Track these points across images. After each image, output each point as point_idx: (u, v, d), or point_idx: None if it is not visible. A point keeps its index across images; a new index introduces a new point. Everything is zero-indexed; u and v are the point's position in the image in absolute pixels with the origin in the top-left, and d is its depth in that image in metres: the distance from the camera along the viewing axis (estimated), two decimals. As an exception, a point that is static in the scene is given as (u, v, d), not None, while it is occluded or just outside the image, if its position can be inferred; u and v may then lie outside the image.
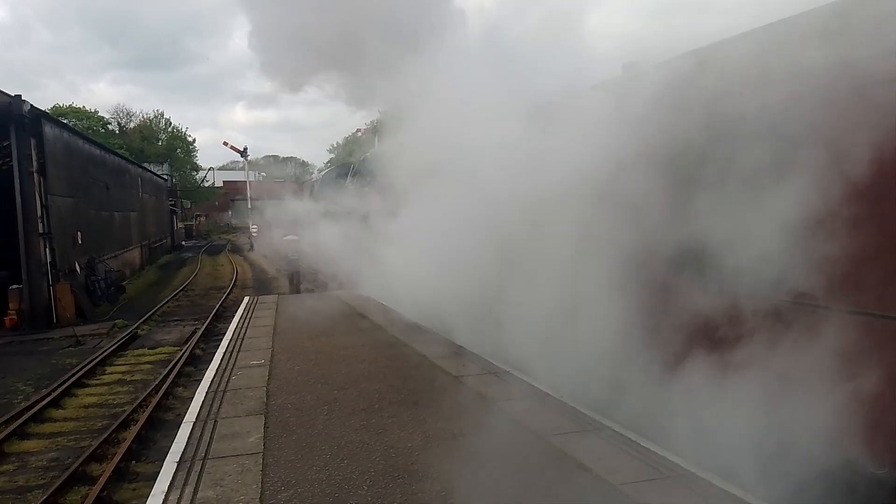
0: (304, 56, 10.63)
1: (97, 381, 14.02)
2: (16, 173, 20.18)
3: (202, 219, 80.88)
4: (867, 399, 4.83)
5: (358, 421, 7.02)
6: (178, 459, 6.12)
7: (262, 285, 29.27)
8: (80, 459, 9.21)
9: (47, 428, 11.10)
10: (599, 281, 7.11)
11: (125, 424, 10.79)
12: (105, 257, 27.95)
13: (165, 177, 58.74)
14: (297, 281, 21.03)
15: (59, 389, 12.81)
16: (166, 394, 12.28)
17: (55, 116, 29.95)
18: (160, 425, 10.82)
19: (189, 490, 5.46)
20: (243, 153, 57.49)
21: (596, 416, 6.71)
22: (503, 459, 5.65)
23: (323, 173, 34.55)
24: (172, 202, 59.17)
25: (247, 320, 14.33)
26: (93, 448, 9.63)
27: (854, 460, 4.93)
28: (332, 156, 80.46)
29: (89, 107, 66.15)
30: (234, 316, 15.53)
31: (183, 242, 61.63)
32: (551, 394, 7.37)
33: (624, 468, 5.50)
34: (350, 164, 24.52)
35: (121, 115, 73.92)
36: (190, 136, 79.59)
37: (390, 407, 7.45)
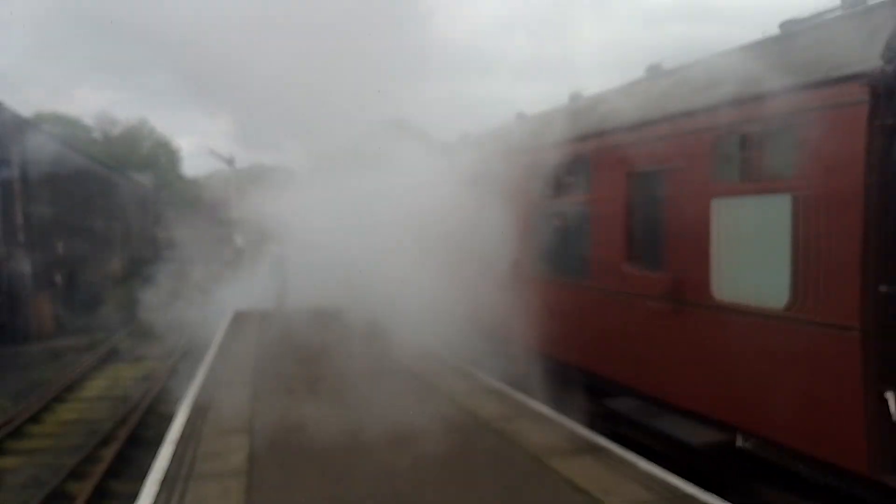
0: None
1: (76, 397, 13.73)
2: (-4, 182, 19.87)
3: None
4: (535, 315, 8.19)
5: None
6: (159, 479, 5.93)
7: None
8: (60, 477, 8.99)
9: (26, 444, 10.81)
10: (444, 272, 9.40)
11: (105, 442, 10.55)
12: (86, 268, 27.54)
13: (148, 185, 58.18)
14: None
15: (38, 404, 12.52)
16: (148, 410, 12.04)
17: (38, 123, 29.55)
18: (141, 443, 10.58)
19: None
20: (229, 162, 56.99)
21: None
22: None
23: None
24: (156, 212, 58.56)
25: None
26: (72, 466, 9.39)
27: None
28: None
29: (73, 113, 65.53)
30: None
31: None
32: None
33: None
34: None
35: (104, 122, 73.27)
36: (175, 143, 79.00)
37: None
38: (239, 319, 15.74)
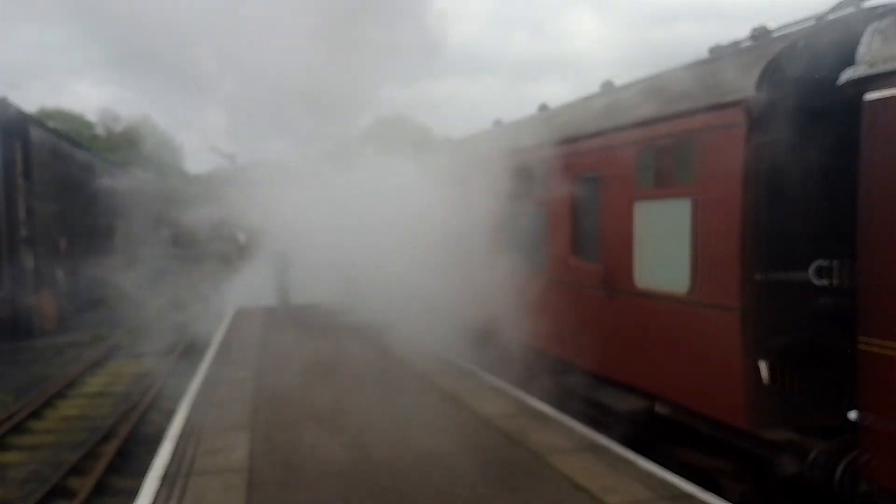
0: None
1: (77, 393, 13.76)
2: (0, 177, 19.88)
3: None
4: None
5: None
6: (160, 475, 5.95)
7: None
8: (61, 473, 9.00)
9: (27, 439, 10.84)
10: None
11: (106, 438, 10.57)
12: (89, 264, 27.59)
13: (151, 182, 58.23)
14: None
15: (40, 400, 12.55)
16: (149, 406, 12.06)
17: (41, 119, 29.60)
18: (142, 439, 10.61)
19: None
20: (231, 158, 57.02)
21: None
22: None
23: None
24: (159, 208, 58.60)
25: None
26: (73, 461, 9.42)
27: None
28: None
29: (76, 108, 65.66)
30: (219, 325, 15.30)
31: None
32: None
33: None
34: None
35: (107, 118, 73.31)
36: (177, 140, 79.12)
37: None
38: (240, 317, 15.78)
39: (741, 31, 6.67)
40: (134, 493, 5.90)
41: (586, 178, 8.39)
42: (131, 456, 9.92)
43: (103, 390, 13.97)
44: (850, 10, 5.89)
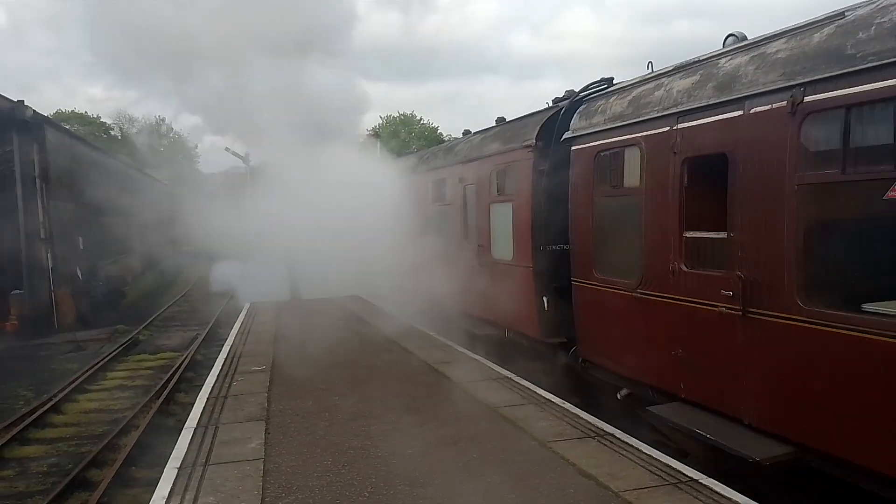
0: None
1: (98, 387, 14.02)
2: (18, 178, 20.23)
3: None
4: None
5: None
6: (178, 465, 6.10)
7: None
8: (81, 465, 9.21)
9: (48, 433, 11.09)
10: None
11: (125, 430, 10.79)
12: (106, 262, 27.96)
13: (167, 183, 58.74)
14: None
15: (60, 395, 12.81)
16: (167, 399, 12.28)
17: (57, 122, 30.01)
18: (161, 431, 10.82)
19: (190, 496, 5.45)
20: (245, 158, 57.29)
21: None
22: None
23: None
24: (173, 207, 59.09)
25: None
26: (93, 454, 9.62)
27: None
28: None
29: (90, 111, 66.22)
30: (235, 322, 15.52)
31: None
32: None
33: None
34: None
35: (123, 120, 73.92)
36: (192, 142, 79.56)
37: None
38: (254, 312, 15.97)
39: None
40: (154, 483, 6.06)
41: (470, 185, 12.14)
42: (151, 447, 10.12)
43: (123, 384, 14.22)
44: (575, 97, 9.39)
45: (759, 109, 5.58)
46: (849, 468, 4.95)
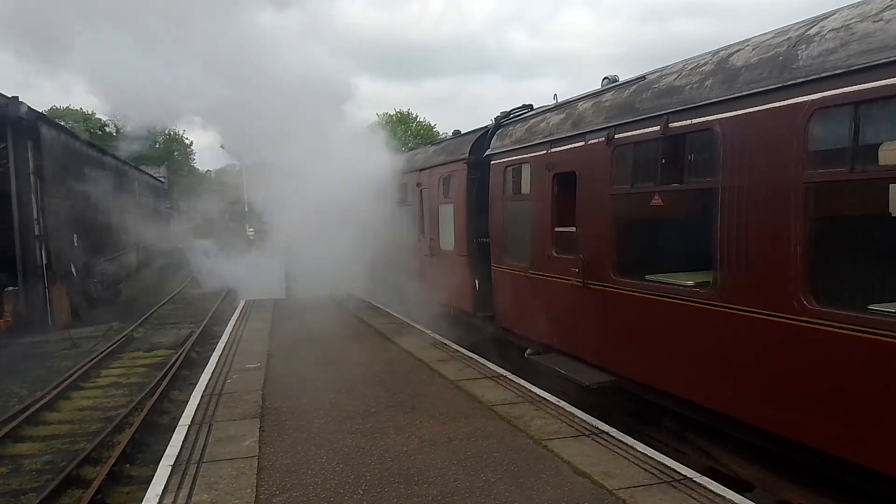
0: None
1: (92, 384, 13.98)
2: (12, 175, 20.16)
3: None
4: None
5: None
6: (172, 463, 6.08)
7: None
8: (75, 462, 9.18)
9: (42, 430, 11.06)
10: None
11: (120, 427, 10.76)
12: (101, 260, 27.88)
13: (162, 179, 58.66)
14: None
15: (54, 392, 12.77)
16: (161, 397, 12.25)
17: (52, 118, 29.90)
18: (155, 429, 10.80)
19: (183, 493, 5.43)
20: (240, 156, 57.10)
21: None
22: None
23: None
24: (169, 205, 59.07)
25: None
26: (87, 451, 9.59)
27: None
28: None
29: (86, 108, 65.96)
30: (230, 319, 15.50)
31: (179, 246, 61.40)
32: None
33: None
34: None
35: (118, 116, 73.56)
36: (187, 138, 79.37)
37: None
38: (249, 311, 15.95)
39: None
40: (148, 480, 6.05)
41: (424, 189, 14.30)
42: (145, 445, 10.11)
43: (117, 381, 14.19)
44: (499, 121, 11.54)
45: (592, 141, 7.85)
46: (650, 391, 7.03)
